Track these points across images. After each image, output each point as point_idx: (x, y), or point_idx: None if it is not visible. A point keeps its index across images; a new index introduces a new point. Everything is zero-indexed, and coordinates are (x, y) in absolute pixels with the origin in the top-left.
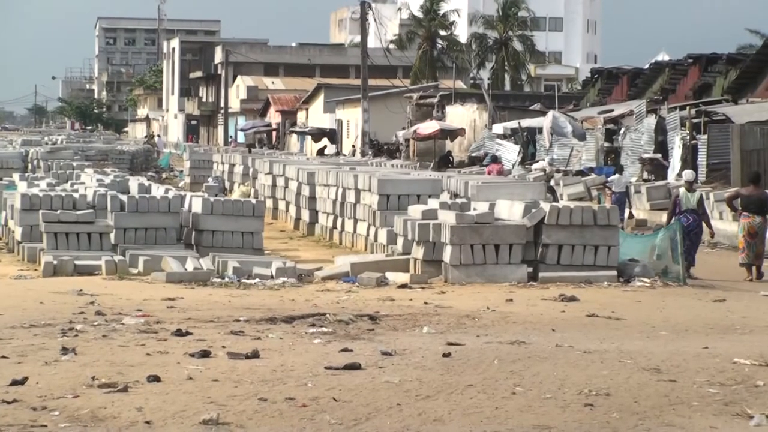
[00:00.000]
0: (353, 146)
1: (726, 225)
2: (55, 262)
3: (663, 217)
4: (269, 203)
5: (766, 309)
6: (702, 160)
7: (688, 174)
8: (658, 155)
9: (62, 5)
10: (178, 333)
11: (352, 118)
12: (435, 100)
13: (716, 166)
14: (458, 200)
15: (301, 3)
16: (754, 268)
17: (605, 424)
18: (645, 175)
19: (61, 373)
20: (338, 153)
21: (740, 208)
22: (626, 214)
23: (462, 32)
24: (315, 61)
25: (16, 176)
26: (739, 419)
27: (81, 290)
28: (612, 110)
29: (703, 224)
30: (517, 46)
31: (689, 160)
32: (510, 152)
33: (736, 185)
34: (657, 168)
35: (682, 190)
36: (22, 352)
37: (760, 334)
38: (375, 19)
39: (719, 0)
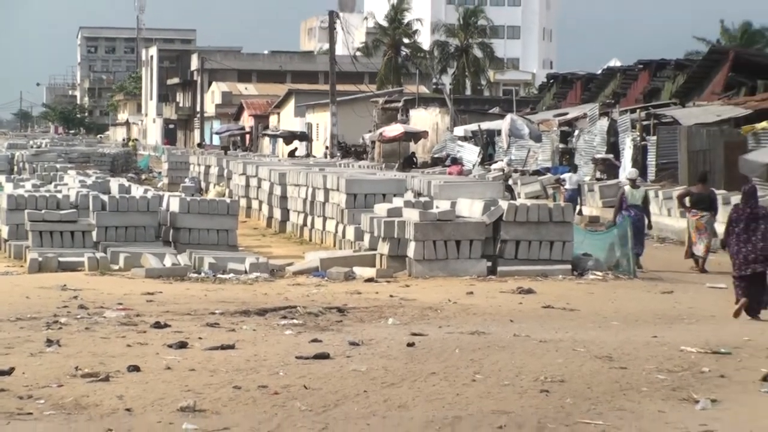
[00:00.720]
0: (326, 147)
1: (673, 221)
2: (40, 259)
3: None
4: (243, 202)
5: (712, 300)
6: (651, 160)
7: (632, 172)
8: (610, 156)
9: (46, 16)
10: (157, 325)
11: (321, 122)
12: (399, 104)
13: (665, 165)
14: (421, 199)
15: (272, 13)
16: (699, 261)
17: (560, 409)
18: (598, 175)
19: (46, 363)
20: (308, 155)
21: (689, 205)
22: (576, 211)
23: (425, 40)
24: (286, 67)
25: (2, 178)
26: (686, 404)
27: (65, 285)
28: (567, 113)
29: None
30: (477, 53)
31: (639, 160)
32: (470, 153)
33: (683, 184)
34: (609, 168)
35: (627, 187)
36: (8, 344)
37: (706, 323)
38: (343, 28)
39: (668, 9)
